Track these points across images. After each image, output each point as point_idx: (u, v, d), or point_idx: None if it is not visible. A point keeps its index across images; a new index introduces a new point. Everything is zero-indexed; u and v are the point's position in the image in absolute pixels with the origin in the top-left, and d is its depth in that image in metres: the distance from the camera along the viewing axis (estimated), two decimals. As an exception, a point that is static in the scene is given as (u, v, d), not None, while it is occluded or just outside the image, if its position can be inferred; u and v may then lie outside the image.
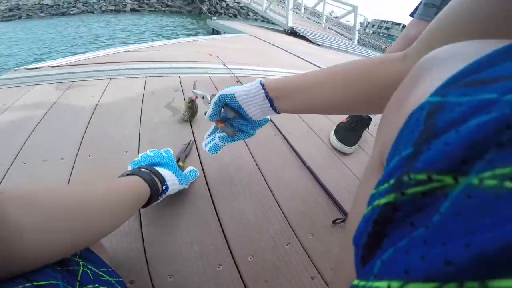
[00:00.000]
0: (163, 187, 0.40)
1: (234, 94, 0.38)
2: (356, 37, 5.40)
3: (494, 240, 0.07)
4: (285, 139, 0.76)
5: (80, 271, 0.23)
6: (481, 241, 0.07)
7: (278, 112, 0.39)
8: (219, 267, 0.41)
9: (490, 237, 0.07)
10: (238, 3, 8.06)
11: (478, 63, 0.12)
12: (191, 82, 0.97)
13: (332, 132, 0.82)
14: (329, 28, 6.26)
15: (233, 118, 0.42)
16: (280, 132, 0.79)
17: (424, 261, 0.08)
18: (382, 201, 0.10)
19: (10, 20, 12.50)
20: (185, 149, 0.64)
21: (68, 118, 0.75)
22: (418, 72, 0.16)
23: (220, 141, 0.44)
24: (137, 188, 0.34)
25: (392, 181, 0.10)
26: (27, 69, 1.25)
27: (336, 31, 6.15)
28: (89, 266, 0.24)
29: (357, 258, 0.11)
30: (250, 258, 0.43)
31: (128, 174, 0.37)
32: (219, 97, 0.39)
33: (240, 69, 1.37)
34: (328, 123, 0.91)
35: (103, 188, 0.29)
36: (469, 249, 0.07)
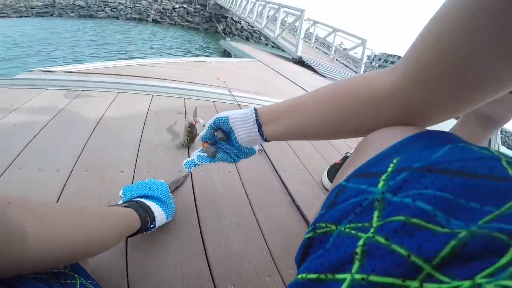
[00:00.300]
0: (151, 225, 0.43)
1: (228, 117, 0.39)
2: (362, 70, 5.61)
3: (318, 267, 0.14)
4: (278, 175, 0.78)
5: (78, 284, 0.26)
6: (314, 267, 0.15)
7: (266, 140, 0.38)
8: (198, 291, 0.42)
9: (318, 264, 0.14)
10: (252, 27, 8.47)
11: (375, 158, 0.19)
12: (193, 106, 1.01)
13: (325, 173, 0.84)
14: (336, 59, 6.52)
15: (220, 139, 0.41)
16: (274, 168, 0.81)
17: (319, 264, 0.14)
18: (307, 235, 0.18)
19: (43, 16, 13.10)
20: (181, 182, 0.65)
21: (71, 128, 0.78)
22: (355, 152, 0.25)
23: (197, 160, 0.45)
24: (130, 219, 0.38)
25: (312, 226, 0.18)
26: (43, 71, 1.31)
27: (342, 63, 6.40)
28: (81, 278, 0.27)
29: (297, 262, 0.19)
30: (231, 286, 0.45)
31: (125, 206, 0.40)
32: (214, 119, 0.40)
33: (244, 97, 1.43)
34: (322, 163, 0.94)
35: (101, 211, 0.32)
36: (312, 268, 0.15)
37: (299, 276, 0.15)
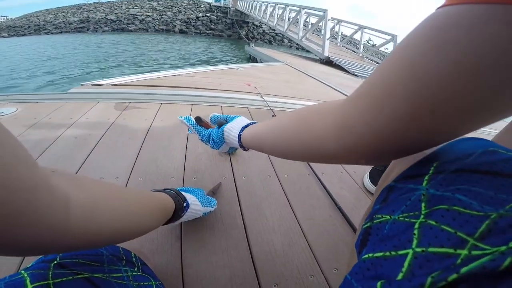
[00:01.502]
0: (184, 204, 0.44)
1: (223, 131, 0.46)
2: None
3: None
4: (318, 178, 0.77)
5: (154, 285, 0.29)
6: (378, 247, 0.17)
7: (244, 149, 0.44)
8: (245, 291, 0.44)
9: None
10: (274, 30, 8.48)
11: (418, 163, 0.21)
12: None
13: (367, 174, 0.81)
14: (366, 57, 6.25)
15: (219, 124, 0.49)
16: (314, 172, 0.80)
17: (383, 245, 0.17)
18: (366, 225, 0.20)
19: (79, 31, 14.60)
20: (217, 188, 0.67)
21: (124, 139, 0.85)
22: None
23: (186, 120, 0.52)
24: (166, 200, 0.38)
25: (369, 218, 0.20)
26: (92, 84, 1.45)
27: (373, 61, 6.11)
28: (156, 281, 0.30)
29: (357, 248, 0.20)
30: (275, 285, 0.46)
31: (155, 191, 0.42)
32: (222, 132, 0.47)
33: (276, 102, 1.44)
34: (362, 166, 0.90)
35: (141, 192, 0.32)
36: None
37: (365, 256, 0.17)
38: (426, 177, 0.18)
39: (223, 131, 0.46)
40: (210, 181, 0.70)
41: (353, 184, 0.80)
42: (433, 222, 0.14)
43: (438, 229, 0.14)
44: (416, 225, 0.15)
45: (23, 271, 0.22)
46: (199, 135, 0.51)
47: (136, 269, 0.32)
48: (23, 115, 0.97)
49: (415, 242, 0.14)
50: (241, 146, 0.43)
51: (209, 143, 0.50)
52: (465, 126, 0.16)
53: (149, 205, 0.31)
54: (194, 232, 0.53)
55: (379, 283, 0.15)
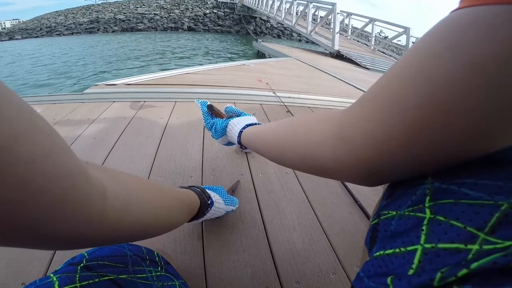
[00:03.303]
0: (209, 202, 0.44)
1: (228, 124, 0.46)
2: (408, 59, 5.13)
3: None
4: (338, 176, 0.76)
5: (177, 285, 0.29)
6: (388, 245, 0.16)
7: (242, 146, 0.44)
8: (267, 289, 0.44)
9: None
10: (282, 24, 8.36)
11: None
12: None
13: None
14: (378, 50, 6.07)
15: (228, 117, 0.50)
16: (333, 169, 0.78)
17: (392, 242, 0.16)
18: (373, 222, 0.19)
19: (91, 32, 14.91)
20: (236, 185, 0.67)
21: (141, 139, 0.86)
22: None
23: (201, 105, 0.53)
24: (191, 195, 0.39)
25: (376, 214, 0.19)
26: (106, 85, 1.47)
27: (385, 53, 5.94)
28: (179, 280, 0.30)
29: (368, 245, 0.19)
30: (296, 284, 0.45)
31: (181, 187, 0.42)
32: (226, 124, 0.47)
33: (289, 97, 1.41)
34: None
35: (170, 187, 0.32)
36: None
37: (376, 253, 0.17)
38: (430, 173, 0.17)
39: (227, 123, 0.47)
40: (228, 179, 0.69)
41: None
42: (442, 218, 0.14)
43: (447, 225, 0.14)
44: (425, 221, 0.14)
45: (52, 274, 0.22)
46: (205, 121, 0.52)
47: (159, 268, 0.32)
48: (43, 116, 0.99)
49: (423, 238, 0.14)
50: (239, 142, 0.43)
51: (211, 131, 0.51)
52: (494, 138, 0.14)
53: (178, 200, 0.31)
54: (215, 232, 0.53)
55: (389, 279, 0.15)
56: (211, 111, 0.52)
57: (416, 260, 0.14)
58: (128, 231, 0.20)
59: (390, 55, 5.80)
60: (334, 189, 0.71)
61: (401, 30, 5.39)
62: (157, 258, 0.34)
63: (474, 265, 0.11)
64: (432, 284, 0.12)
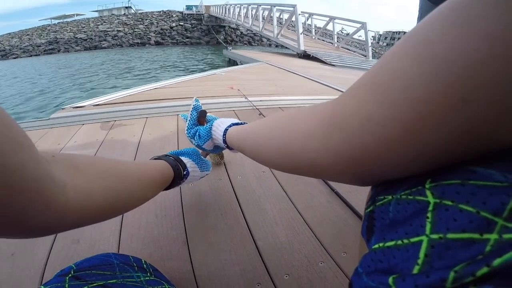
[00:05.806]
0: (184, 172, 0.45)
1: (212, 126, 0.46)
2: (370, 53, 5.46)
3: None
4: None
5: None
6: (388, 235, 0.15)
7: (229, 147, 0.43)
8: (258, 285, 0.45)
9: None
10: (251, 31, 8.54)
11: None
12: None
13: None
14: (341, 47, 6.39)
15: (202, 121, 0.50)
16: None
17: (394, 232, 0.14)
18: (368, 209, 0.17)
19: (51, 53, 14.05)
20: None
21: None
22: None
23: (184, 118, 0.53)
24: (163, 169, 0.39)
25: (371, 200, 0.18)
26: (74, 107, 1.42)
27: (349, 49, 6.26)
28: (169, 285, 0.31)
29: (364, 235, 0.18)
30: (286, 276, 0.47)
31: (155, 159, 0.42)
32: (211, 126, 0.47)
33: (260, 100, 1.46)
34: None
35: (136, 164, 0.34)
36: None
37: (375, 246, 0.15)
38: None
39: (211, 125, 0.46)
40: (207, 184, 0.71)
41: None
42: (449, 202, 0.12)
43: (455, 210, 0.11)
44: (430, 207, 0.12)
45: (42, 287, 0.23)
46: (187, 130, 0.50)
47: (148, 274, 0.32)
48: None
49: (428, 227, 0.12)
50: (225, 141, 0.41)
51: (194, 139, 0.49)
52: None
53: (145, 177, 0.33)
54: (199, 235, 0.55)
55: (391, 278, 0.12)
56: (202, 117, 0.51)
57: (421, 255, 0.12)
58: (94, 216, 0.23)
59: (354, 51, 6.12)
60: (311, 181, 0.74)
61: (358, 25, 5.74)
62: (145, 265, 0.34)
63: (496, 262, 0.09)
64: (444, 285, 0.10)
